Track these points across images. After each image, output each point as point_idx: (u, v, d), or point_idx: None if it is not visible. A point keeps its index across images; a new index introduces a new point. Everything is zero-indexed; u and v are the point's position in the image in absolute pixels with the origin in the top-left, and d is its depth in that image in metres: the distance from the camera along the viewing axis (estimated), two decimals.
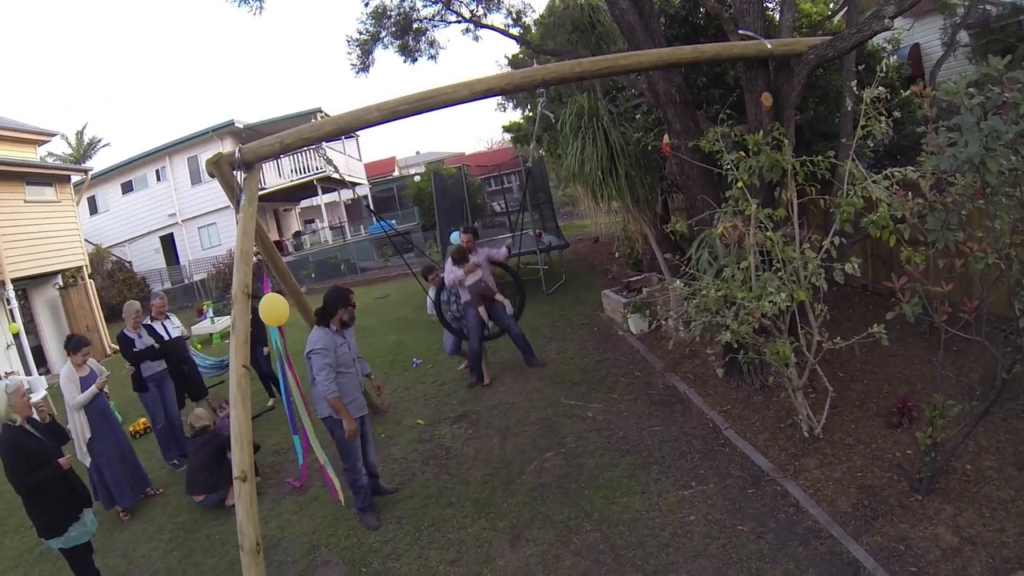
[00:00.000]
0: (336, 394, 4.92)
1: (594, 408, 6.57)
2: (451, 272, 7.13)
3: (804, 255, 4.79)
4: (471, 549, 4.66)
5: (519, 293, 7.33)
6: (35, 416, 4.83)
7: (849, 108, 5.16)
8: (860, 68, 5.49)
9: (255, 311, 6.79)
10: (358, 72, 11.98)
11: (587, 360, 8.08)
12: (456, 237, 10.35)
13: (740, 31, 5.49)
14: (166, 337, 7.16)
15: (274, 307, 5.07)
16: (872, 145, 4.79)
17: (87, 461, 5.88)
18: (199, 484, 5.96)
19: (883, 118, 4.66)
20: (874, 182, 4.53)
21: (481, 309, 7.16)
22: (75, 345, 5.97)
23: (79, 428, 5.83)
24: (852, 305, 7.55)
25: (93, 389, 5.84)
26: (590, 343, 8.79)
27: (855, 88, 5.11)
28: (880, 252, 7.31)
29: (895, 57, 8.75)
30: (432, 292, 7.77)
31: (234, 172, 4.54)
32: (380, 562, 4.70)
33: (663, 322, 7.94)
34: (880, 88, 4.66)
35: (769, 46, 5.12)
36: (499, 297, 7.28)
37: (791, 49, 5.29)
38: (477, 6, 11.93)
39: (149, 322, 7.17)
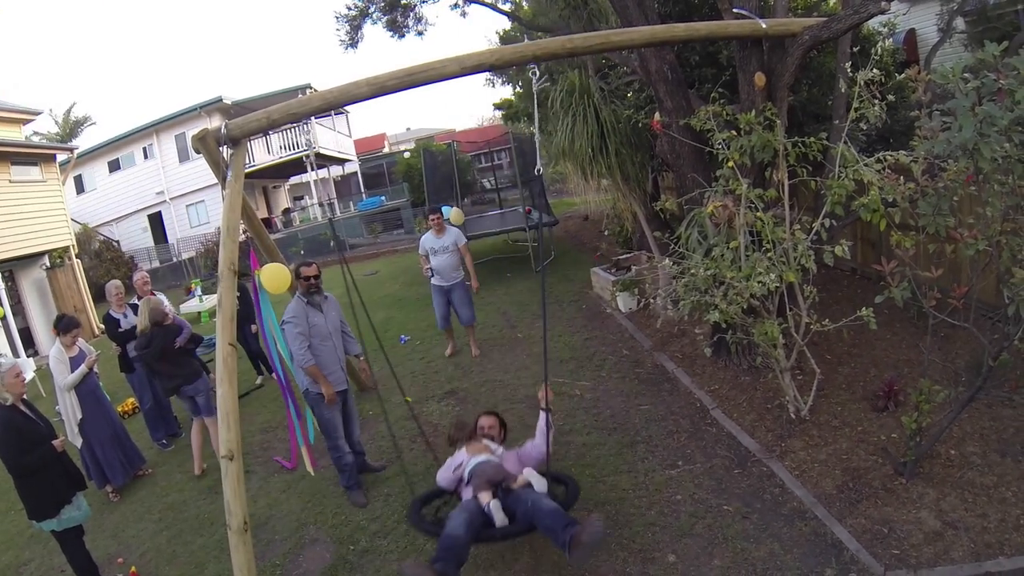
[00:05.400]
0: (312, 362, 4.96)
1: (582, 386, 6.59)
2: (445, 471, 4.44)
3: (794, 236, 4.78)
4: None
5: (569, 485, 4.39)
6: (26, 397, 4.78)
7: (843, 90, 5.12)
8: (855, 50, 5.44)
9: (242, 288, 6.74)
10: (347, 48, 11.93)
11: (575, 337, 8.08)
12: (448, 211, 10.19)
13: (735, 10, 5.42)
14: None
15: (276, 275, 5.06)
16: (865, 128, 4.76)
17: (78, 442, 5.83)
18: (182, 377, 6.05)
19: (877, 101, 4.63)
20: (866, 165, 4.51)
21: (484, 495, 3.98)
22: (65, 326, 5.91)
23: (70, 409, 5.78)
24: (841, 288, 7.57)
25: (83, 369, 5.79)
26: (578, 320, 8.78)
27: (849, 70, 5.07)
28: (870, 236, 7.33)
29: (890, 41, 8.70)
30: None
31: (220, 148, 4.47)
32: (368, 540, 4.72)
33: (651, 301, 7.95)
34: (875, 71, 4.63)
35: (764, 26, 5.06)
36: (523, 478, 4.11)
37: (786, 29, 5.24)
38: None
39: (136, 302, 7.08)
